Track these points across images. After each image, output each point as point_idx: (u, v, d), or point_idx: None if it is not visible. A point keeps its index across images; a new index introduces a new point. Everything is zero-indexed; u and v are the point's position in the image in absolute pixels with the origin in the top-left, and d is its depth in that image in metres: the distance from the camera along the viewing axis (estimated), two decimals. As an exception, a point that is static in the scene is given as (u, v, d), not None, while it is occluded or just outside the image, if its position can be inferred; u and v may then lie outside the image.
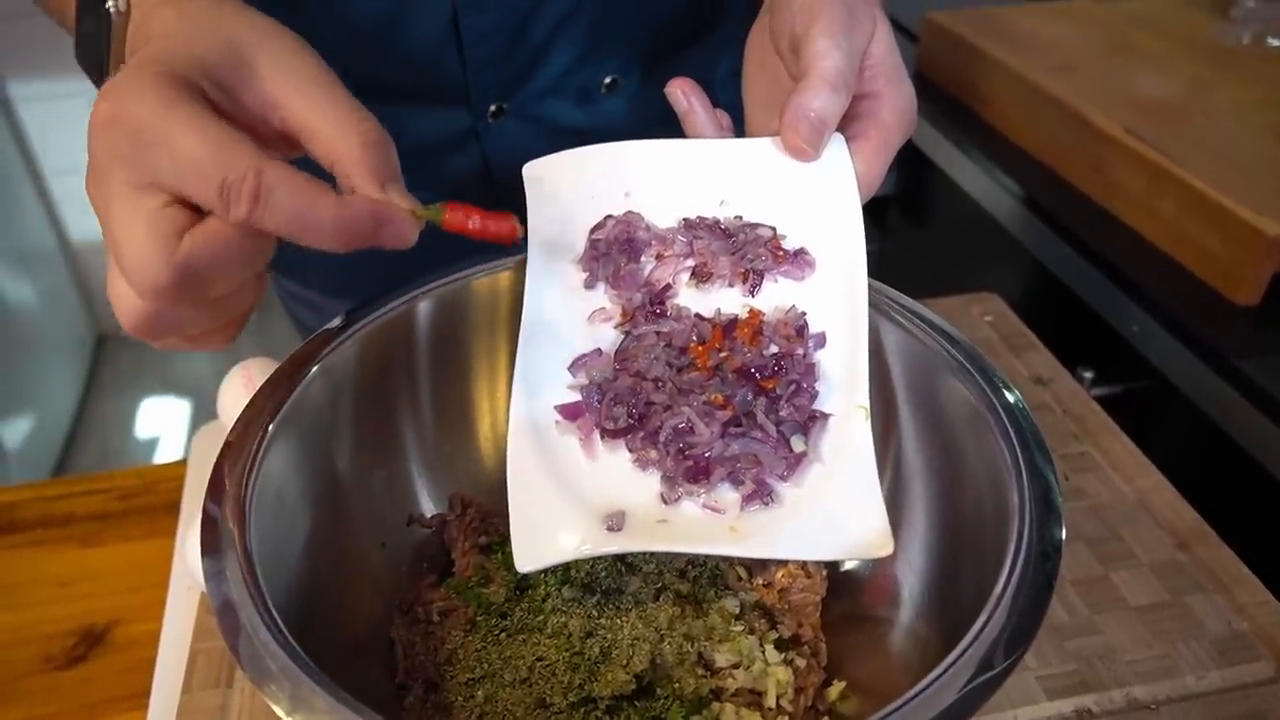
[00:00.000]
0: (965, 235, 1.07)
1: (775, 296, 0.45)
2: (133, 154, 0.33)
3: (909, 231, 1.20)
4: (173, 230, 0.33)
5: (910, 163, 1.11)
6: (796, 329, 0.43)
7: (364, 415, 0.46)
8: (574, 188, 0.47)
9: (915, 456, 0.45)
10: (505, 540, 0.47)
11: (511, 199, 0.48)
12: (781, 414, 0.40)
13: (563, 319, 0.45)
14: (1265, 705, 0.48)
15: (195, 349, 0.39)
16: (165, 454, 2.02)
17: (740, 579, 0.48)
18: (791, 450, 0.40)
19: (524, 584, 0.46)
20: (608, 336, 0.44)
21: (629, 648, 0.42)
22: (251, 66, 0.36)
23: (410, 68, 0.61)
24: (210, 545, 0.35)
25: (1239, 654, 0.50)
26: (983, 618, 0.33)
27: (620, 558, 0.46)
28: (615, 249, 0.46)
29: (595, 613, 0.44)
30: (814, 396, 0.41)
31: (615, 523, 0.38)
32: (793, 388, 0.41)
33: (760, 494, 0.39)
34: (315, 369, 0.43)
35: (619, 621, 0.43)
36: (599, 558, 0.46)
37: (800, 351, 0.42)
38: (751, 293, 0.45)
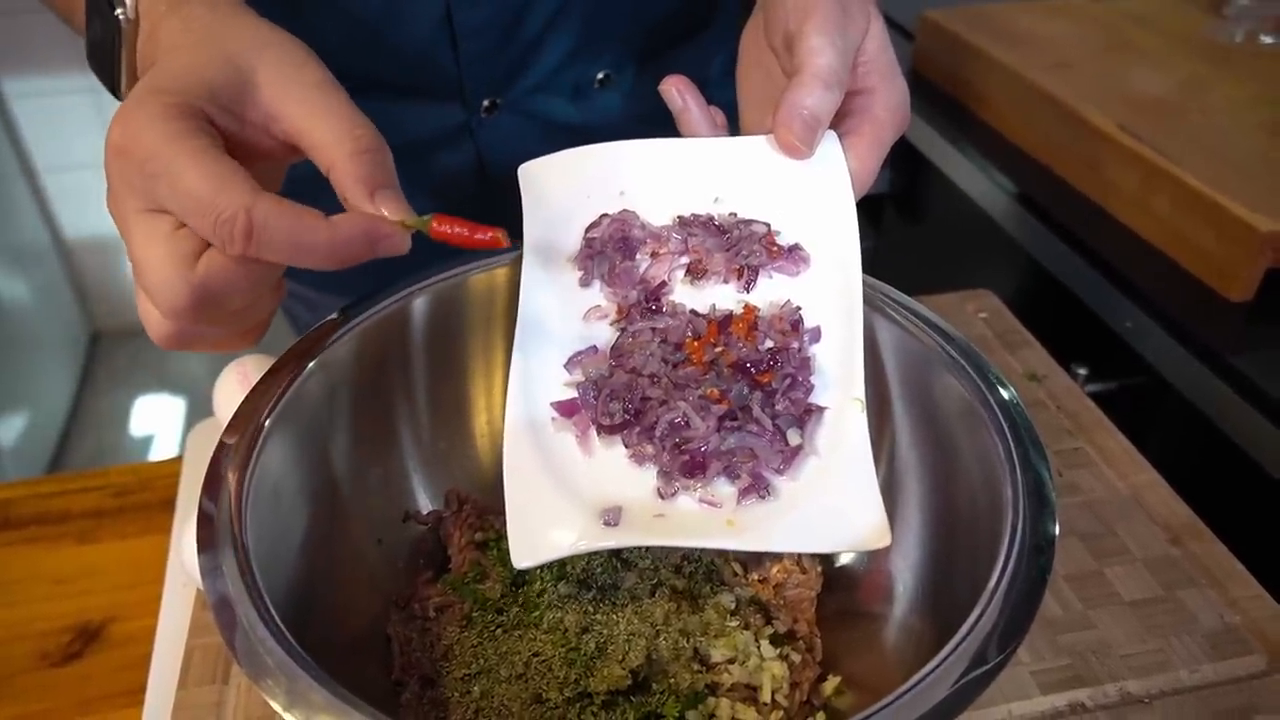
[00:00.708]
0: (960, 232, 1.07)
1: (770, 292, 0.45)
2: (141, 183, 0.34)
3: (904, 229, 1.20)
4: (190, 251, 0.35)
5: (905, 160, 1.12)
6: (791, 323, 0.43)
7: (360, 412, 0.46)
8: (569, 187, 0.47)
9: (910, 452, 0.45)
10: (501, 536, 0.47)
11: (505, 194, 0.48)
12: (777, 408, 0.40)
13: (558, 317, 0.45)
14: (1258, 698, 0.48)
15: (222, 351, 0.41)
16: (160, 451, 2.02)
17: (736, 574, 0.48)
18: (787, 444, 0.40)
19: (520, 580, 0.46)
20: (603, 334, 0.45)
21: (625, 643, 0.42)
22: (252, 82, 0.37)
23: (404, 63, 0.62)
24: (206, 542, 0.35)
25: (1232, 648, 0.50)
26: (976, 612, 0.33)
27: (616, 553, 0.47)
28: (610, 247, 0.46)
29: (591, 608, 0.44)
30: (809, 390, 0.41)
31: (612, 518, 0.38)
32: (788, 382, 0.41)
33: (756, 488, 0.39)
34: (311, 365, 0.43)
35: (615, 617, 0.43)
36: (595, 554, 0.46)
37: (795, 346, 0.42)
38: (746, 289, 0.45)
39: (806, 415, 0.40)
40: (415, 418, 0.49)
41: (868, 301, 0.44)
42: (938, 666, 0.32)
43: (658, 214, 0.47)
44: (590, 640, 0.42)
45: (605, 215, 0.46)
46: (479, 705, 0.41)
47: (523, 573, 0.46)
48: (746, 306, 0.44)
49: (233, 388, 0.59)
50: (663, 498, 0.40)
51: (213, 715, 0.48)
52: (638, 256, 0.46)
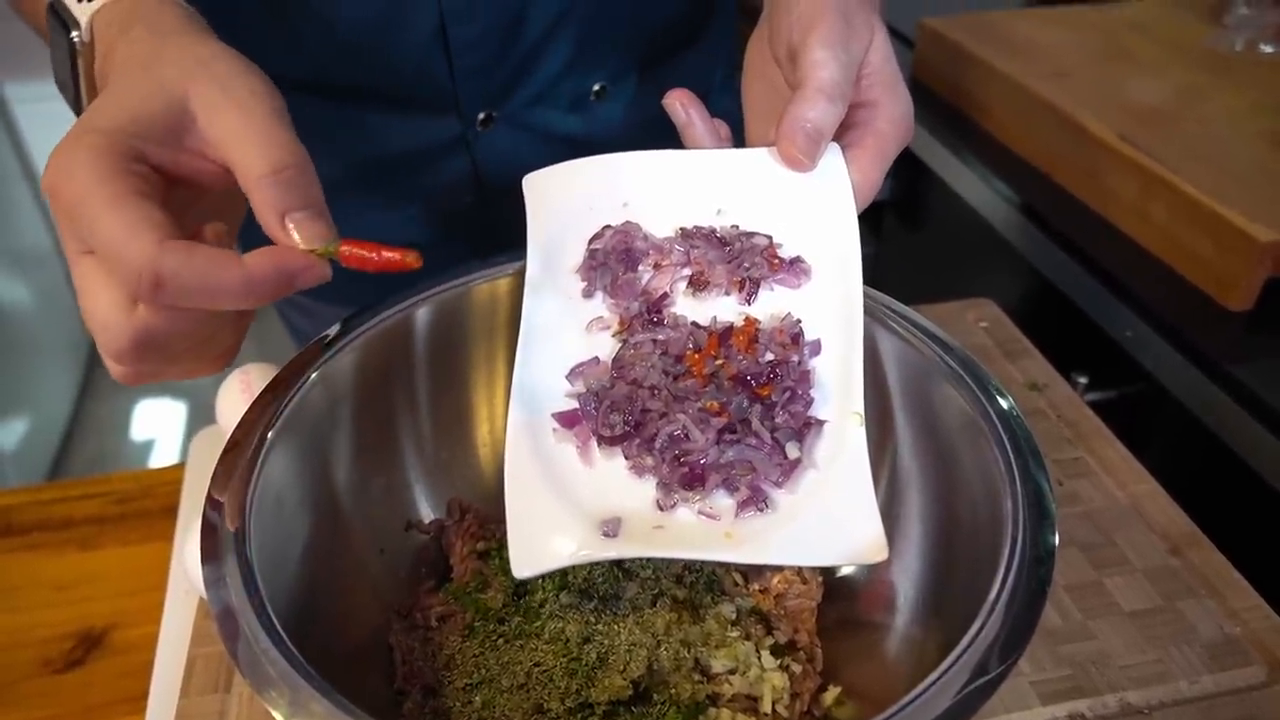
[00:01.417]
0: (960, 240, 1.07)
1: (771, 304, 0.45)
2: (70, 225, 0.34)
3: (904, 237, 1.20)
4: (127, 297, 0.34)
5: (906, 168, 1.12)
6: (792, 336, 0.43)
7: (363, 421, 0.46)
8: (572, 198, 0.47)
9: (911, 463, 0.45)
10: (503, 546, 0.47)
11: (501, 206, 0.48)
12: (777, 421, 0.41)
13: (561, 328, 0.45)
14: (1258, 710, 0.48)
15: (192, 378, 0.40)
16: (162, 457, 2.02)
17: (737, 584, 0.48)
18: (786, 457, 0.40)
19: (521, 590, 0.46)
20: (605, 345, 0.45)
21: (626, 653, 0.42)
22: (186, 109, 0.37)
23: (398, 75, 0.62)
24: (210, 552, 0.36)
25: (1231, 659, 0.50)
26: (977, 623, 0.34)
27: (617, 564, 0.47)
28: (613, 259, 0.46)
29: (592, 618, 0.44)
30: (809, 403, 0.42)
31: (611, 529, 0.38)
32: (788, 395, 0.41)
33: (755, 500, 0.39)
34: (314, 375, 0.43)
35: (616, 627, 0.44)
36: (596, 564, 0.46)
37: (795, 359, 0.42)
38: (748, 301, 0.45)
39: (806, 428, 0.41)
40: (418, 427, 0.49)
41: (868, 313, 0.44)
42: (939, 678, 0.32)
43: (660, 225, 0.47)
44: (592, 650, 0.43)
45: (608, 226, 0.47)
46: (481, 715, 0.42)
47: (524, 582, 0.46)
48: (747, 319, 0.44)
49: (236, 396, 0.59)
50: (662, 509, 0.40)
51: (215, 724, 0.48)
52: (640, 268, 0.46)
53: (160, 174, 0.36)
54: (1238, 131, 0.87)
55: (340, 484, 0.45)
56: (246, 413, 0.41)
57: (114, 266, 0.33)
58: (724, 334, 0.44)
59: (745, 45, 0.52)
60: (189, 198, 0.38)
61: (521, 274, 0.46)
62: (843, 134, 0.46)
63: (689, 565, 0.48)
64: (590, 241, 0.46)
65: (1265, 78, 0.97)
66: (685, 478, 0.40)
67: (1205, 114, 0.90)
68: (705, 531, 0.39)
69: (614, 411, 0.42)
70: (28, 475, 1.81)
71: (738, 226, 0.47)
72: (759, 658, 0.44)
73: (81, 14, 0.40)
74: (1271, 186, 0.78)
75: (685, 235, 0.46)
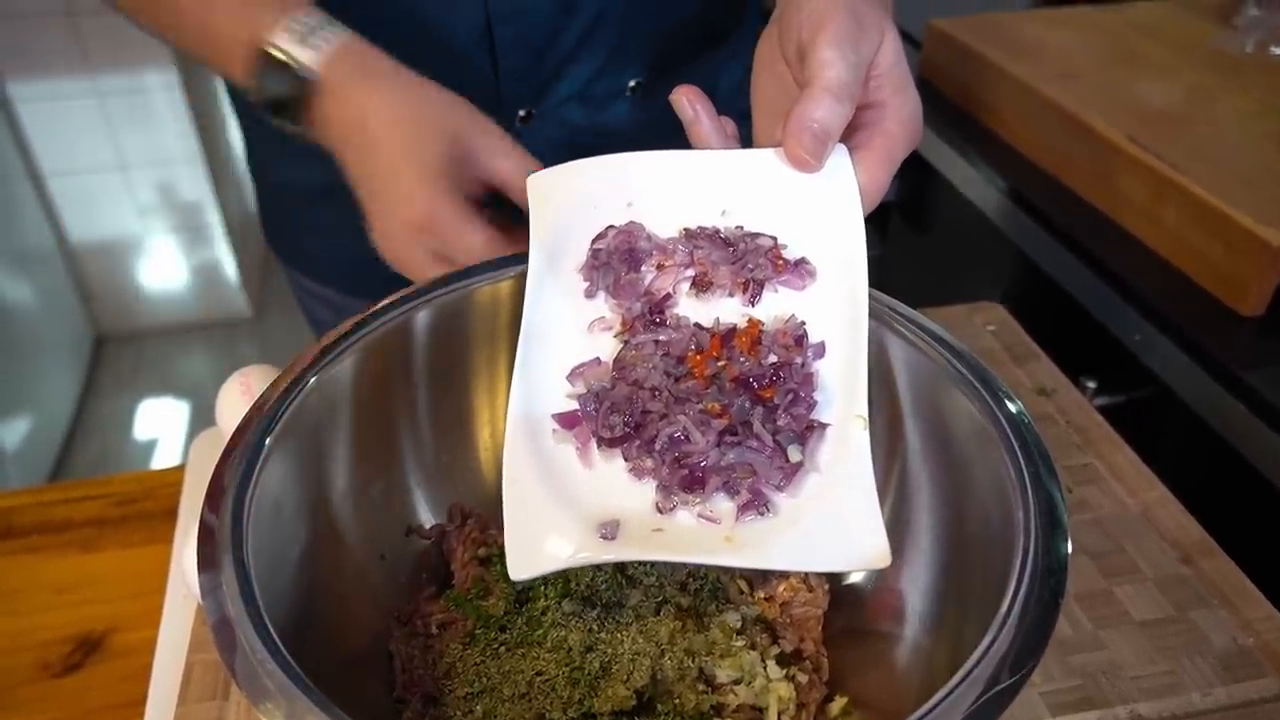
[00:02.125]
0: (967, 243, 1.07)
1: (775, 306, 0.44)
2: (441, 247, 0.50)
3: (910, 238, 1.20)
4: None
5: (912, 170, 1.11)
6: (795, 338, 0.42)
7: (363, 426, 0.46)
8: (577, 198, 0.47)
9: (920, 470, 0.44)
10: (504, 552, 0.47)
11: None
12: (779, 423, 0.40)
13: (562, 327, 0.45)
14: (1271, 722, 0.48)
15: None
16: (164, 456, 2.02)
17: (742, 592, 0.47)
18: (788, 460, 0.39)
19: (523, 597, 0.46)
20: (607, 345, 0.44)
21: (629, 663, 0.42)
22: (471, 151, 0.51)
23: (443, 75, 0.64)
24: (207, 560, 0.35)
25: (1245, 670, 0.49)
26: (990, 636, 0.33)
27: (621, 570, 0.46)
28: (616, 259, 0.45)
29: (595, 626, 0.43)
30: (812, 406, 0.41)
31: (609, 531, 0.38)
32: (790, 397, 0.41)
33: (756, 504, 0.39)
34: (314, 379, 0.43)
35: (619, 636, 0.43)
36: (599, 570, 0.46)
37: (799, 361, 0.42)
38: (751, 302, 0.44)
39: (808, 431, 0.40)
40: (418, 432, 0.49)
41: (877, 317, 0.43)
42: (951, 691, 0.31)
43: (665, 226, 0.47)
44: (594, 659, 0.42)
45: (612, 226, 0.46)
46: (481, 725, 0.41)
47: (526, 590, 0.45)
48: (751, 320, 0.44)
49: (235, 398, 0.58)
50: (661, 512, 0.39)
51: (212, 731, 0.48)
52: (643, 268, 0.46)
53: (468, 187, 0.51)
54: (1248, 134, 0.86)
55: (340, 489, 0.45)
56: (245, 417, 0.41)
57: (461, 260, 0.49)
58: (727, 335, 0.43)
59: None
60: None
61: (523, 276, 0.46)
62: (850, 135, 0.45)
63: (693, 572, 0.47)
64: (594, 241, 0.46)
65: (1275, 80, 0.96)
66: (685, 480, 0.39)
67: (1215, 116, 0.89)
68: (705, 535, 0.38)
69: (614, 413, 0.41)
70: (30, 474, 1.80)
71: (742, 227, 0.46)
72: (764, 667, 0.43)
73: (308, 59, 0.49)
74: (1282, 189, 0.77)
75: (689, 236, 0.46)
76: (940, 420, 0.43)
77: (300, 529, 0.42)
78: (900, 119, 0.45)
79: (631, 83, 0.71)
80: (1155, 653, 0.50)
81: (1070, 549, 0.36)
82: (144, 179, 2.08)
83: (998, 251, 0.98)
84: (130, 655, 0.56)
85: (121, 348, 2.28)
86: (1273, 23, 1.02)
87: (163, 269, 2.23)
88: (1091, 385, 0.80)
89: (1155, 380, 0.77)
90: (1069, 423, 0.66)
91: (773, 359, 0.42)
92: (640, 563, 0.47)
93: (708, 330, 0.44)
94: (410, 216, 0.49)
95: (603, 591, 0.45)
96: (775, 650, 0.45)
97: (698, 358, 0.43)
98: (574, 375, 0.43)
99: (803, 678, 0.44)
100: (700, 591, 0.47)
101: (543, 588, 0.45)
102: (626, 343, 0.44)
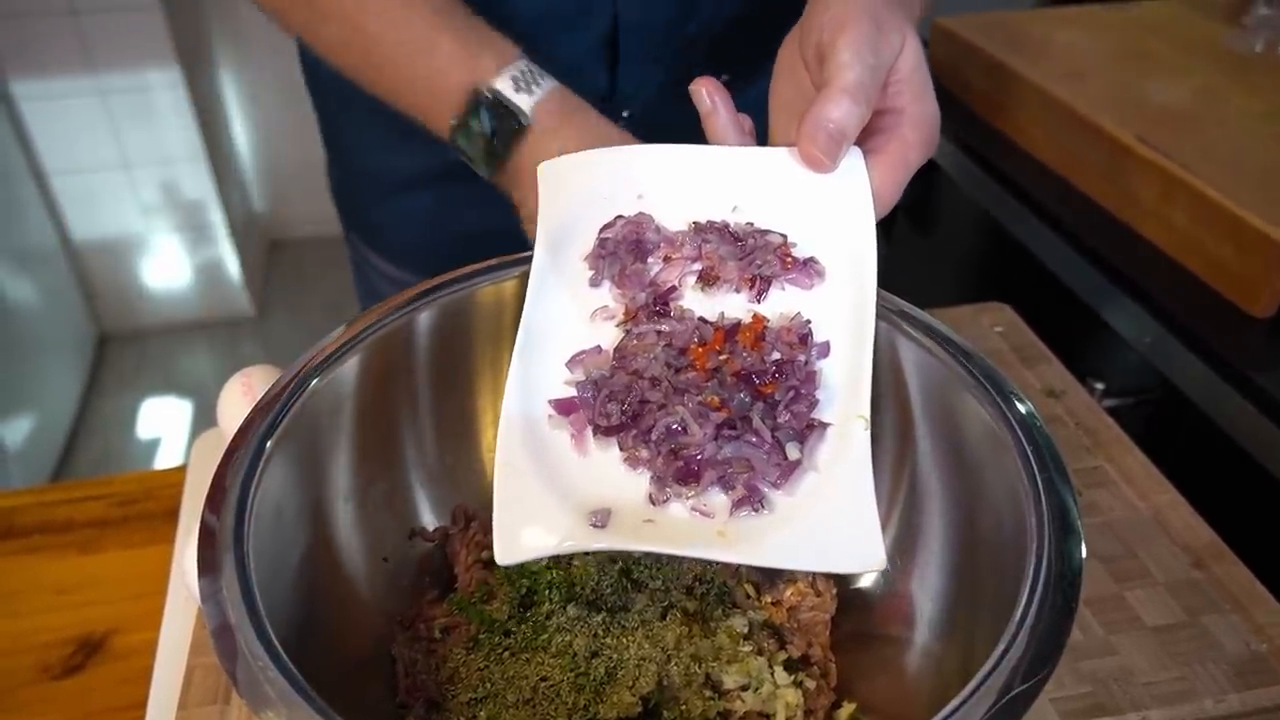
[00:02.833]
0: (974, 243, 1.06)
1: (782, 304, 0.44)
2: None
3: (917, 239, 1.19)
4: None
5: (919, 169, 1.10)
6: (800, 336, 0.42)
7: (365, 427, 0.45)
8: (587, 187, 0.47)
9: (931, 474, 0.44)
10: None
11: None
12: (779, 420, 0.39)
13: (565, 315, 0.44)
14: (1284, 729, 0.47)
15: None
16: (167, 455, 2.01)
17: (749, 597, 0.47)
18: (786, 457, 0.39)
19: (528, 601, 0.45)
20: (609, 334, 0.44)
21: (635, 668, 0.41)
22: None
23: (558, 75, 0.67)
24: (208, 564, 0.34)
25: (1258, 676, 0.49)
26: (1003, 644, 0.33)
27: (626, 574, 0.46)
28: (623, 248, 0.45)
29: (600, 631, 0.43)
30: (813, 404, 0.40)
31: (600, 520, 0.37)
32: (791, 394, 0.40)
33: (751, 499, 0.38)
34: (316, 380, 0.42)
35: (625, 641, 0.42)
36: (604, 574, 0.45)
37: (802, 359, 0.41)
38: (758, 299, 0.44)
39: (808, 430, 0.39)
40: (421, 433, 0.48)
41: (888, 320, 0.43)
42: (965, 700, 0.31)
43: (675, 219, 0.46)
44: (600, 665, 0.41)
45: (620, 216, 0.46)
46: (485, 731, 0.41)
47: (531, 593, 0.45)
48: (755, 316, 0.43)
49: (237, 398, 0.58)
50: (654, 504, 0.38)
51: (214, 735, 0.47)
52: (650, 260, 0.45)
53: None
54: (1258, 134, 0.85)
55: (342, 490, 0.44)
56: (246, 419, 0.40)
57: None
58: (731, 330, 0.42)
59: None
60: None
61: (526, 275, 0.45)
62: (866, 139, 0.45)
63: (699, 576, 0.47)
64: (601, 230, 0.46)
65: (1286, 79, 0.95)
66: (680, 472, 0.38)
67: (1225, 116, 0.88)
68: (697, 528, 0.38)
69: (611, 401, 0.41)
70: (33, 473, 1.80)
71: (753, 224, 0.46)
72: (772, 673, 0.43)
73: (525, 104, 0.51)
74: (1294, 190, 0.76)
75: (698, 229, 0.45)
76: (952, 423, 0.43)
77: (302, 531, 0.41)
78: (917, 125, 0.44)
79: (724, 78, 0.73)
80: (1167, 658, 0.50)
81: (1085, 555, 0.35)
82: (147, 177, 2.08)
83: (1004, 252, 0.97)
84: (131, 657, 0.56)
85: (124, 346, 2.28)
86: (1283, 22, 1.01)
87: (165, 268, 2.23)
88: (1099, 387, 0.79)
89: (1165, 382, 0.76)
90: (1078, 425, 0.65)
91: (776, 356, 0.41)
92: (645, 566, 0.46)
93: (712, 324, 0.43)
94: None
95: (608, 595, 0.45)
96: (782, 655, 0.44)
97: (700, 350, 0.42)
98: (574, 363, 0.43)
99: (810, 683, 0.43)
100: (706, 596, 0.46)
101: (547, 591, 0.45)
102: (628, 332, 0.43)
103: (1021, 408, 0.40)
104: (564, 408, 0.42)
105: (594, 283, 0.45)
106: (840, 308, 0.43)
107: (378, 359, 0.45)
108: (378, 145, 0.75)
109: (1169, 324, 0.75)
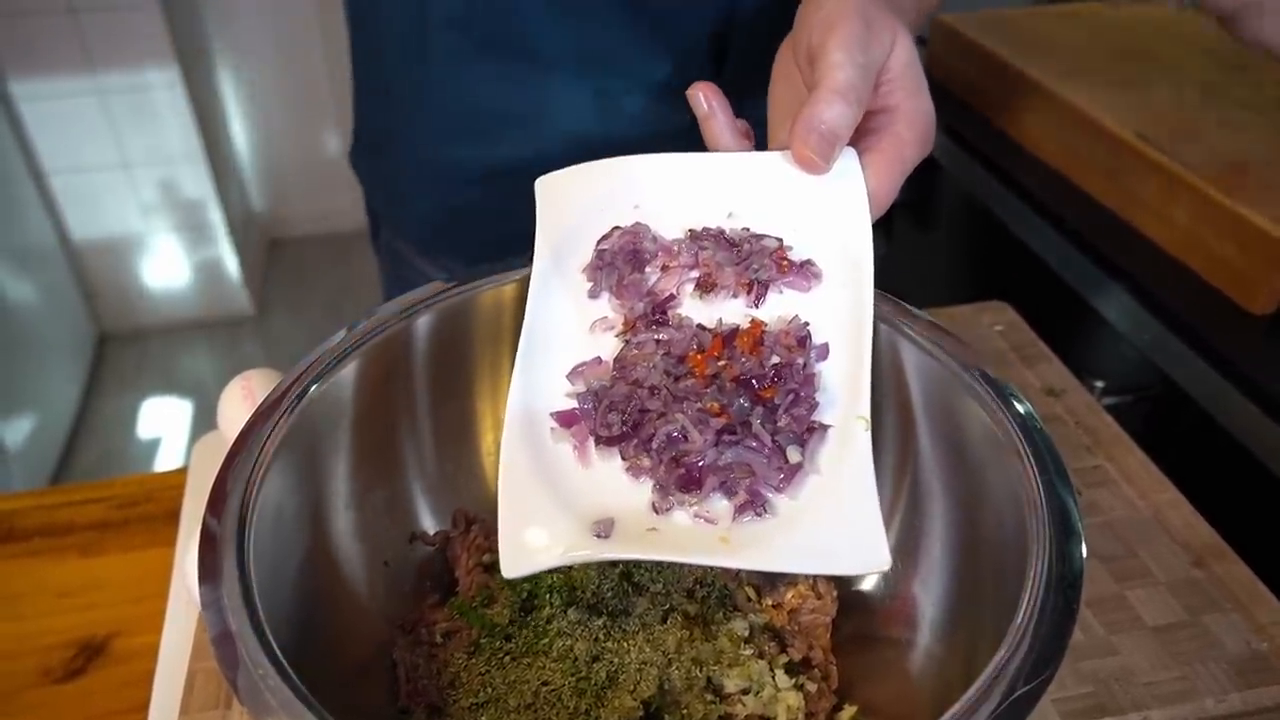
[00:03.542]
0: (974, 242, 1.06)
1: (780, 308, 0.44)
2: None
3: (916, 237, 1.19)
4: None
5: (918, 167, 1.10)
6: (798, 339, 0.42)
7: (365, 431, 0.45)
8: (584, 200, 0.47)
9: (932, 476, 0.44)
10: (508, 557, 0.46)
11: None
12: (779, 424, 0.39)
13: (564, 327, 0.44)
14: (1286, 729, 0.47)
15: None
16: (167, 456, 2.01)
17: (749, 600, 0.47)
18: (787, 461, 0.39)
19: (529, 605, 0.45)
20: (608, 345, 0.44)
21: (636, 672, 0.41)
22: None
23: (667, 78, 0.68)
24: (208, 570, 0.34)
25: (1259, 676, 0.49)
26: (1005, 647, 0.33)
27: (627, 577, 0.46)
28: (620, 259, 0.45)
29: (602, 635, 0.43)
30: (813, 407, 0.40)
31: (603, 530, 0.37)
32: (791, 398, 0.40)
33: (753, 505, 0.38)
34: (316, 385, 0.42)
35: (626, 645, 0.42)
36: (605, 578, 0.45)
37: (800, 362, 0.41)
38: (756, 304, 0.44)
39: (809, 433, 0.39)
40: (421, 437, 0.48)
41: (888, 321, 0.43)
42: (967, 702, 0.31)
43: (672, 228, 0.46)
44: (601, 669, 0.41)
45: (617, 228, 0.46)
46: (487, 735, 0.41)
47: (532, 597, 0.45)
48: (753, 321, 0.43)
49: (237, 401, 0.58)
50: (658, 512, 0.39)
51: (215, 739, 0.47)
52: (647, 269, 0.45)
53: None
54: (1259, 131, 0.85)
55: (342, 495, 0.44)
56: (248, 422, 0.40)
57: None
58: (729, 335, 0.42)
59: None
60: None
61: (526, 281, 0.45)
62: (860, 139, 0.44)
63: (700, 579, 0.47)
64: (599, 242, 0.46)
65: (1286, 75, 0.95)
66: (682, 480, 0.38)
67: (1225, 112, 0.88)
68: (701, 535, 0.38)
69: (612, 411, 0.41)
70: (33, 473, 1.80)
71: (748, 229, 0.46)
72: (773, 677, 0.43)
73: None
74: (1294, 187, 0.76)
75: (694, 237, 0.45)
76: (953, 425, 0.43)
77: (303, 536, 0.41)
78: (912, 123, 0.44)
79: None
80: (1168, 658, 0.50)
81: (1086, 556, 0.35)
82: (146, 177, 2.08)
83: (1004, 251, 0.97)
84: (133, 660, 0.56)
85: (124, 346, 2.28)
86: (1283, 17, 1.01)
87: (165, 267, 2.23)
88: (1099, 385, 0.79)
89: (1165, 379, 0.76)
90: (1078, 424, 0.65)
91: (775, 360, 0.41)
92: (646, 570, 0.46)
93: (710, 330, 0.43)
94: None
95: (609, 599, 0.45)
96: (783, 659, 0.44)
97: (698, 357, 0.42)
98: (574, 374, 0.43)
99: (811, 686, 0.43)
100: (707, 599, 0.46)
101: (548, 595, 0.45)
102: (627, 342, 0.43)
103: (1020, 408, 0.40)
104: (566, 419, 0.42)
105: (593, 294, 0.45)
106: (838, 309, 0.43)
107: (377, 364, 0.45)
108: (448, 137, 0.73)
109: (1169, 322, 0.75)
